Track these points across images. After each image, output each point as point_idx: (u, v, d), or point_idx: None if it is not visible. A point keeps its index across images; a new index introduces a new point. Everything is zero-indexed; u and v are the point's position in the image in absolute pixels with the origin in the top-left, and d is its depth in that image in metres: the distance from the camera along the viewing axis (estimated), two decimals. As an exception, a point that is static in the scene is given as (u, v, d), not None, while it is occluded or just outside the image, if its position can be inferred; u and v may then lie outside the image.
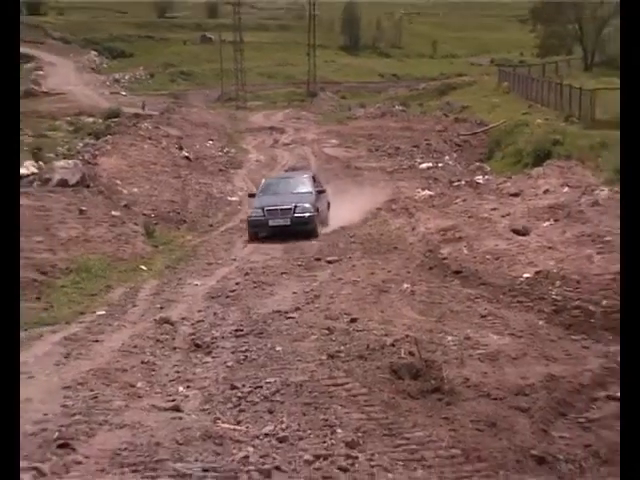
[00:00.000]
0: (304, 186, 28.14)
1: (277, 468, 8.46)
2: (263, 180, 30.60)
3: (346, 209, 29.49)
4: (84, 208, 26.61)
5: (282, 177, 31.83)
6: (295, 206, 25.99)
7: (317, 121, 54.28)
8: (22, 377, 12.14)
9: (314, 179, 29.33)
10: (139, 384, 11.73)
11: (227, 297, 17.94)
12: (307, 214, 25.90)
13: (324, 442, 9.18)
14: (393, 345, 12.76)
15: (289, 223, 25.85)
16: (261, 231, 26.11)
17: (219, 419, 10.06)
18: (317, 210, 26.62)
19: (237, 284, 19.22)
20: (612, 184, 24.46)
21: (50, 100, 60.63)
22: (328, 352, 12.65)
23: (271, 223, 25.95)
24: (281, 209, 26.06)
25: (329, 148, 44.04)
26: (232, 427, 9.73)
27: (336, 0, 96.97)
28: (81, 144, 38.57)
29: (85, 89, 66.23)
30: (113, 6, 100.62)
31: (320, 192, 28.27)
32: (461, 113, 50.35)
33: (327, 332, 13.93)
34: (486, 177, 32.94)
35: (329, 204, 29.44)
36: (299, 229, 25.59)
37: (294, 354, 12.73)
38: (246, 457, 8.71)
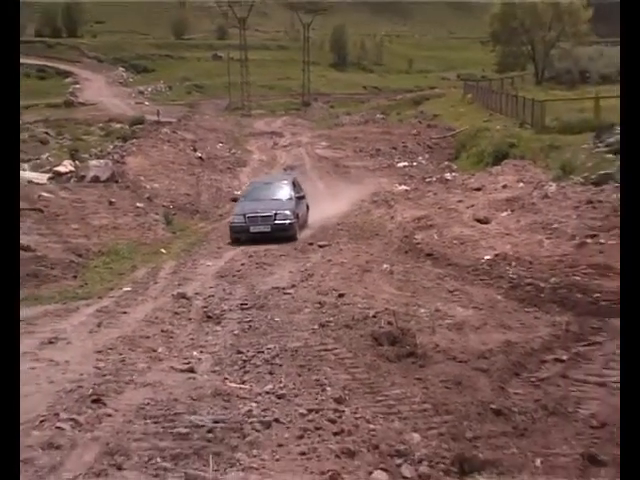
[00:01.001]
0: (284, 192, 25.46)
1: (276, 420, 8.49)
2: (246, 185, 28.81)
3: (335, 201, 29.43)
4: (113, 200, 26.65)
5: (264, 182, 28.34)
6: (276, 213, 23.60)
7: (310, 127, 54.09)
8: (61, 343, 12.24)
9: (294, 184, 26.48)
10: (159, 349, 11.75)
11: (234, 276, 17.95)
12: (287, 221, 23.46)
13: (316, 398, 9.21)
14: (374, 316, 12.80)
15: (269, 230, 23.40)
16: (242, 237, 23.42)
17: (227, 379, 10.07)
18: (297, 216, 24.15)
19: (242, 265, 19.23)
20: (559, 180, 24.51)
21: (85, 109, 60.36)
22: (319, 322, 12.66)
23: (252, 229, 23.45)
24: (262, 216, 23.58)
25: (320, 149, 43.91)
26: (238, 386, 9.76)
27: (326, 24, 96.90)
28: (111, 146, 38.48)
29: (114, 100, 65.92)
30: (138, 29, 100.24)
31: (300, 198, 25.67)
32: (432, 120, 50.20)
33: (319, 305, 13.95)
34: (453, 174, 32.87)
35: (308, 208, 26.94)
36: (279, 235, 23.09)
37: (291, 324, 12.77)
38: (250, 411, 8.75)
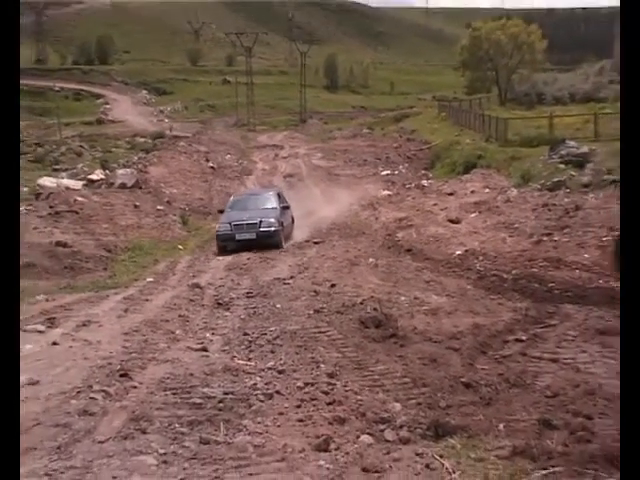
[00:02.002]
0: (269, 202, 23.29)
1: (277, 392, 8.48)
2: (231, 197, 25.67)
3: (328, 204, 29.47)
4: (138, 204, 26.65)
5: (249, 194, 26.36)
6: (261, 221, 21.43)
7: (307, 140, 54.00)
8: (94, 326, 12.23)
9: (279, 196, 24.32)
10: (177, 331, 11.74)
11: (241, 268, 17.96)
12: (272, 228, 21.28)
13: (311, 373, 9.19)
14: (361, 303, 12.79)
15: (255, 237, 21.15)
16: (229, 245, 21.14)
17: (235, 357, 10.05)
18: (282, 225, 21.96)
19: (248, 259, 19.24)
20: (519, 186, 24.55)
21: (114, 126, 60.22)
22: (314, 308, 12.65)
23: (238, 237, 21.18)
24: (247, 224, 21.36)
25: (315, 160, 43.84)
26: (244, 363, 9.75)
27: (320, 52, 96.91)
28: (135, 157, 38.39)
29: (138, 118, 65.79)
30: (159, 57, 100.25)
31: (285, 208, 23.52)
32: (411, 135, 50.05)
33: (314, 294, 13.94)
34: (429, 181, 32.89)
35: (293, 219, 24.76)
36: (265, 242, 20.89)
37: (290, 310, 12.75)
38: (255, 384, 8.74)
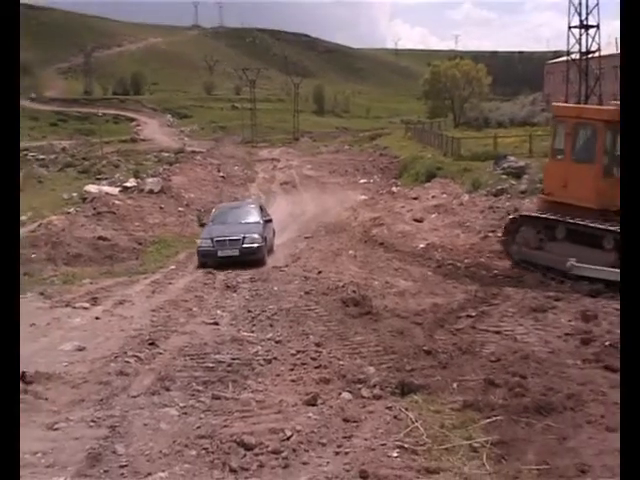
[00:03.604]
0: (252, 216, 18.79)
1: (275, 358, 8.49)
2: (214, 210, 20.53)
3: (316, 206, 29.41)
4: (163, 206, 26.49)
5: (232, 207, 21.11)
6: (244, 237, 17.12)
7: (299, 155, 53.66)
8: (127, 304, 12.18)
9: (261, 209, 19.97)
10: (194, 309, 11.71)
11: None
12: (255, 244, 17.05)
13: (302, 343, 9.20)
14: (343, 286, 12.80)
15: (238, 254, 16.86)
16: (210, 261, 16.81)
17: (241, 330, 10.06)
18: (265, 240, 17.68)
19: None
20: (470, 192, 24.53)
21: (144, 143, 59.85)
22: (305, 291, 12.64)
23: (220, 253, 16.84)
24: (230, 240, 17.04)
25: (306, 170, 43.56)
26: (248, 334, 9.74)
27: (310, 84, 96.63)
28: (161, 168, 38.04)
29: (164, 137, 65.41)
30: (180, 88, 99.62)
31: (267, 221, 18.92)
32: (383, 150, 49.63)
33: (304, 279, 13.92)
34: (398, 188, 32.72)
35: (274, 232, 20.31)
36: (247, 259, 16.77)
37: (285, 292, 12.72)
38: (256, 352, 8.75)
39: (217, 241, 17.04)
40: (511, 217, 15.87)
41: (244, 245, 16.96)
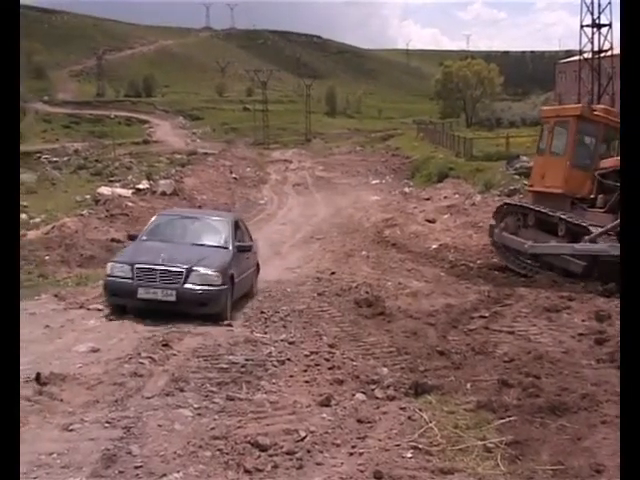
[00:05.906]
0: (215, 235, 11.42)
1: (288, 359, 8.46)
2: (154, 217, 12.99)
3: (329, 207, 29.40)
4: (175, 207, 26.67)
5: (183, 216, 12.85)
6: (189, 270, 10.00)
7: (311, 156, 53.74)
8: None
9: (237, 226, 12.07)
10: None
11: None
12: (208, 287, 10.02)
13: (316, 344, 9.18)
14: (356, 287, 12.80)
15: (174, 299, 9.93)
16: (124, 303, 10.35)
17: (254, 331, 10.06)
18: (231, 280, 10.51)
19: (263, 252, 19.17)
20: (483, 193, 24.52)
21: (157, 145, 60.13)
22: (318, 292, 12.64)
23: (141, 293, 9.95)
24: (162, 271, 9.97)
25: (318, 171, 43.66)
26: (261, 335, 9.72)
27: (322, 85, 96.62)
28: (174, 170, 38.25)
29: (176, 139, 65.67)
30: (192, 90, 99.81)
31: (242, 249, 11.54)
32: (395, 151, 49.73)
33: (317, 280, 13.93)
34: (410, 189, 32.82)
35: (259, 269, 13.21)
36: (191, 310, 10.04)
37: (298, 293, 12.72)
38: (270, 353, 8.71)
39: (139, 270, 10.08)
40: (499, 205, 17.36)
41: (186, 285, 10.02)
